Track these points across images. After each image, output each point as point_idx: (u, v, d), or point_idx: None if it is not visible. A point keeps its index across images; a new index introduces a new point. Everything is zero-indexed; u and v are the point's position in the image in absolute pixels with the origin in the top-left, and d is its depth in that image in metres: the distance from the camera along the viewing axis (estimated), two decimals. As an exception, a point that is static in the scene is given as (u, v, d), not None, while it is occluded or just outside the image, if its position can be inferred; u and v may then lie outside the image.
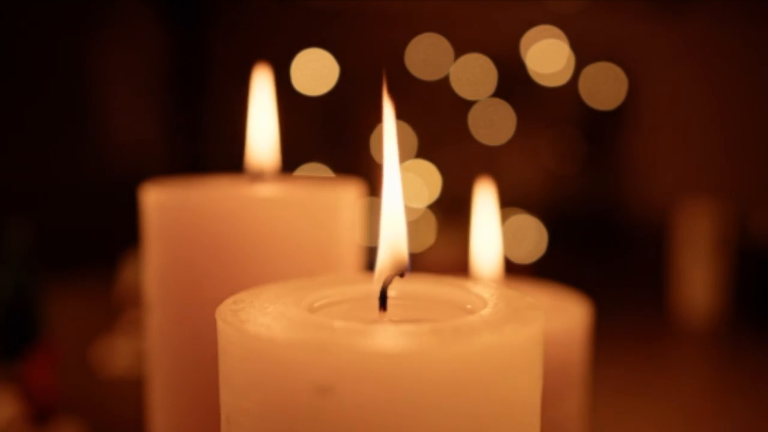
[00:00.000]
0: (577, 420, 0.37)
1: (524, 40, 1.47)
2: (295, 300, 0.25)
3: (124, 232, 0.73)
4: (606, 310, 0.50)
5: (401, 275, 0.25)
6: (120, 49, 1.48)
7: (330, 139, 1.52)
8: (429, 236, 1.39)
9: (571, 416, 0.36)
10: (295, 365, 0.20)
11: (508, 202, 1.40)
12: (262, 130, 0.39)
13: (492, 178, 0.39)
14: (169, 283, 0.35)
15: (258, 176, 0.39)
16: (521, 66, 1.48)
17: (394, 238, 0.25)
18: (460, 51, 1.49)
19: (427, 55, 1.48)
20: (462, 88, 1.49)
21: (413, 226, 1.42)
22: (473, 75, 1.49)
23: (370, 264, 0.26)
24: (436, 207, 1.45)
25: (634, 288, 1.23)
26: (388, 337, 0.21)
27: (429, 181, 1.46)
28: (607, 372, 0.68)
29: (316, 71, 1.45)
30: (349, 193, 0.37)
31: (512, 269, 0.42)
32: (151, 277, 0.36)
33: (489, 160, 1.51)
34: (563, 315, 0.36)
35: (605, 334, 0.52)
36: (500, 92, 1.49)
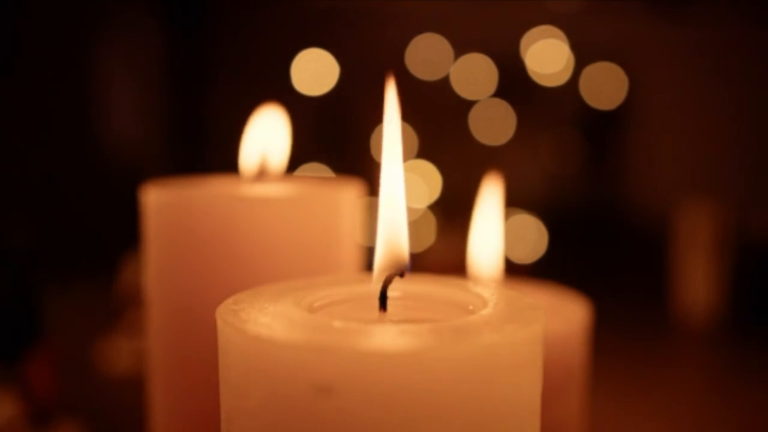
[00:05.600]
0: (577, 420, 0.37)
1: (524, 40, 1.47)
2: (295, 300, 0.25)
3: (124, 232, 0.73)
4: (606, 310, 0.50)
5: (401, 275, 0.25)
6: (120, 49, 1.49)
7: (330, 139, 1.53)
8: (429, 236, 1.39)
9: (571, 416, 0.36)
10: (295, 365, 0.20)
11: (508, 202, 1.40)
12: (273, 136, 0.39)
13: (499, 175, 0.39)
14: (169, 283, 0.35)
15: (258, 176, 0.39)
16: (521, 66, 1.48)
17: (394, 238, 0.25)
18: (460, 51, 1.49)
19: (427, 55, 1.48)
20: (462, 88, 1.49)
21: (413, 226, 1.42)
22: (473, 75, 1.49)
23: (370, 264, 0.26)
24: (437, 207, 1.45)
25: (635, 288, 1.23)
26: (388, 337, 0.21)
27: (429, 181, 1.46)
28: (607, 372, 0.68)
29: (316, 71, 1.45)
30: (349, 193, 0.37)
31: (512, 269, 0.42)
32: (151, 277, 0.36)
33: (489, 160, 1.51)
34: (563, 315, 0.36)
35: (605, 334, 0.52)
36: (500, 92, 1.49)
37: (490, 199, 0.39)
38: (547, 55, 1.47)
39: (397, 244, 0.25)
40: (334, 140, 1.53)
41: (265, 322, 0.22)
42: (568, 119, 1.54)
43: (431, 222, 1.43)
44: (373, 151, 1.44)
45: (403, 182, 0.25)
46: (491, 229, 0.38)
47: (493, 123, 1.49)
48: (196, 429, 0.34)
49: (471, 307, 0.25)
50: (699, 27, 1.40)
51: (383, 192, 0.25)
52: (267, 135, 0.39)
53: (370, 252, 0.27)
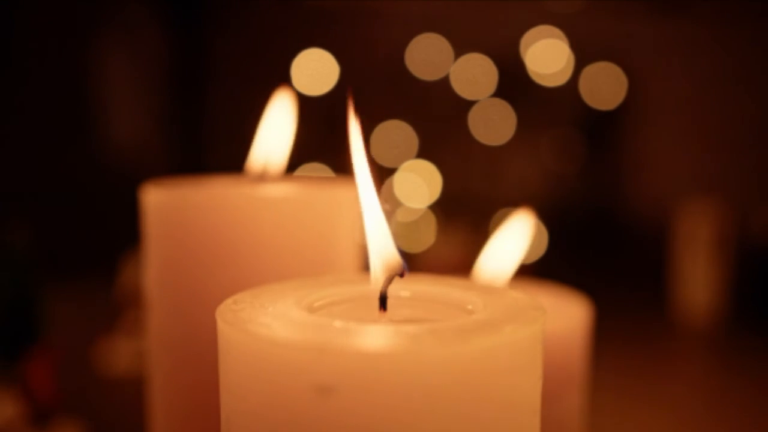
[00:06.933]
0: (577, 419, 0.37)
1: (524, 40, 1.47)
2: (295, 300, 0.25)
3: (124, 232, 0.73)
4: (606, 310, 0.50)
5: (401, 275, 0.25)
6: (120, 49, 1.48)
7: (330, 139, 1.53)
8: (429, 236, 1.39)
9: (570, 416, 0.36)
10: (295, 365, 0.20)
11: (508, 202, 1.40)
12: (276, 137, 0.39)
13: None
14: (169, 283, 0.35)
15: (258, 176, 0.39)
16: (521, 66, 1.48)
17: (383, 246, 0.25)
18: (460, 51, 1.49)
19: (427, 55, 1.48)
20: (462, 88, 1.49)
21: (413, 226, 1.42)
22: (473, 75, 1.49)
23: (369, 264, 0.26)
24: (437, 207, 1.45)
25: (634, 288, 1.23)
26: (387, 337, 0.21)
27: (429, 181, 1.46)
28: (607, 372, 0.68)
29: (316, 71, 1.45)
30: (349, 193, 0.37)
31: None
32: (151, 277, 0.36)
33: (489, 160, 1.51)
34: (563, 315, 0.36)
35: (605, 334, 0.52)
36: (500, 92, 1.49)
37: (520, 227, 0.39)
38: (547, 55, 1.47)
39: (388, 251, 0.25)
40: (334, 140, 1.53)
41: (265, 322, 0.22)
42: (568, 119, 1.54)
43: (431, 222, 1.43)
44: (373, 151, 1.44)
45: (376, 193, 0.26)
46: (515, 246, 0.38)
47: (493, 123, 1.49)
48: (196, 429, 0.34)
49: (470, 307, 0.25)
50: (699, 27, 1.40)
51: (364, 204, 0.26)
52: (273, 133, 0.39)
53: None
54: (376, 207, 0.26)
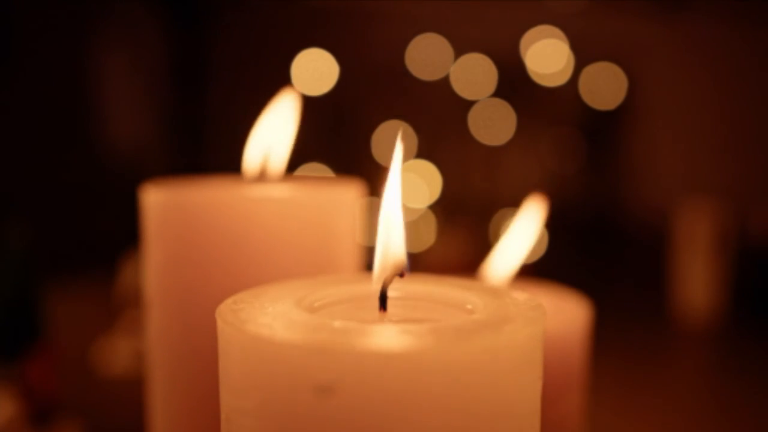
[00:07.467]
0: (577, 420, 0.37)
1: (524, 40, 1.47)
2: (295, 300, 0.25)
3: (124, 232, 0.73)
4: (606, 310, 0.50)
5: (401, 275, 0.25)
6: (120, 49, 1.48)
7: (330, 139, 1.53)
8: (429, 236, 1.39)
9: (570, 416, 0.36)
10: (295, 365, 0.20)
11: (508, 202, 1.40)
12: (276, 137, 0.39)
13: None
14: (169, 283, 0.35)
15: (258, 176, 0.39)
16: (521, 66, 1.48)
17: (391, 242, 0.25)
18: (460, 51, 1.49)
19: (427, 55, 1.49)
20: (462, 88, 1.49)
21: (413, 226, 1.42)
22: (473, 75, 1.49)
23: (369, 264, 0.26)
24: (437, 207, 1.45)
25: (634, 288, 1.23)
26: (387, 337, 0.21)
27: (429, 181, 1.46)
28: (606, 372, 0.68)
29: (316, 71, 1.45)
30: (349, 193, 0.37)
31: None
32: (151, 277, 0.36)
33: (489, 160, 1.51)
34: (563, 315, 0.36)
35: (605, 334, 0.52)
36: (500, 92, 1.49)
37: (529, 217, 0.39)
38: (547, 55, 1.47)
39: (395, 248, 0.25)
40: (334, 140, 1.53)
41: (265, 322, 0.22)
42: (568, 119, 1.54)
43: (431, 222, 1.43)
44: (373, 151, 1.44)
45: (400, 192, 0.26)
46: (521, 243, 0.38)
47: (493, 123, 1.49)
48: (195, 429, 0.34)
49: (470, 307, 0.25)
50: (699, 27, 1.40)
51: (384, 202, 0.26)
52: (272, 133, 0.39)
53: (370, 252, 0.27)
54: (396, 209, 0.26)
